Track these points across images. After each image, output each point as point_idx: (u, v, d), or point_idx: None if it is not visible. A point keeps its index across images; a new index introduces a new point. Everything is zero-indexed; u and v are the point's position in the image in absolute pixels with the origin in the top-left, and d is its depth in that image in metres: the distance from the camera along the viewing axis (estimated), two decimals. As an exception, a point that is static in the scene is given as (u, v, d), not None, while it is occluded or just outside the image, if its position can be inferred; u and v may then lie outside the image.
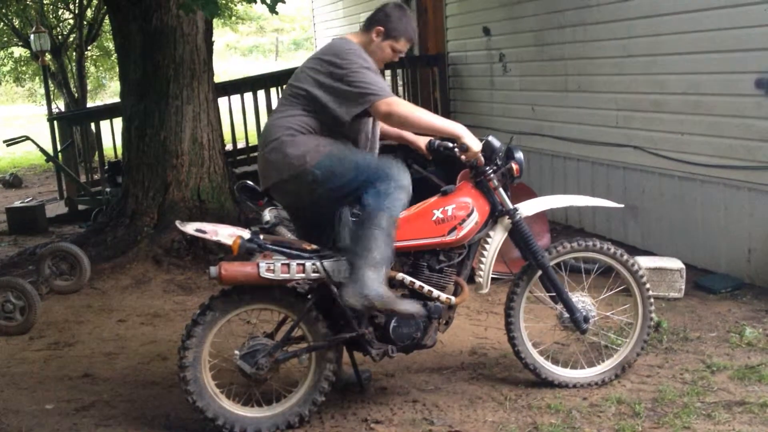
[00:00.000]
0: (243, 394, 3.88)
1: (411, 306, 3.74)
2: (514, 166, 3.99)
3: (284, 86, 10.46)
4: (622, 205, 4.52)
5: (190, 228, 3.72)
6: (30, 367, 4.95)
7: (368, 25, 3.90)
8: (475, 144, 3.79)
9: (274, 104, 10.41)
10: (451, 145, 3.95)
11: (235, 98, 10.28)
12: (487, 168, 3.94)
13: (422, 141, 4.23)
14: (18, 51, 19.36)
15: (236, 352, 3.73)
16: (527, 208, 4.08)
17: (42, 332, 5.62)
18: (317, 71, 3.77)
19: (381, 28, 3.85)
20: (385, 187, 3.66)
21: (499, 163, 3.98)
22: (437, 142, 4.10)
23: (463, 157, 3.88)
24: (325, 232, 3.86)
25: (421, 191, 4.03)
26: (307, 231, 3.99)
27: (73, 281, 6.59)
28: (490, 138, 3.96)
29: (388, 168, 3.71)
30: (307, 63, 3.87)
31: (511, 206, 3.99)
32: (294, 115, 3.79)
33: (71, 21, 17.08)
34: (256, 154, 10.34)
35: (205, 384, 3.72)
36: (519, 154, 4.02)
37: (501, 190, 3.98)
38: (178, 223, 3.80)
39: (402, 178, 3.71)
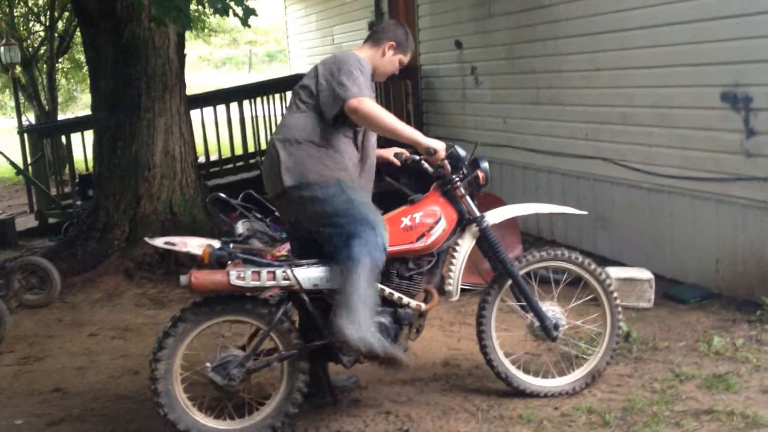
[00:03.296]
0: (215, 407, 3.86)
1: (399, 352, 3.78)
2: (480, 175, 4.05)
3: (256, 99, 10.58)
4: (586, 212, 4.58)
5: (159, 242, 3.73)
6: (-1, 382, 4.91)
7: (378, 40, 4.10)
8: (437, 144, 3.88)
9: (247, 116, 10.45)
10: (417, 157, 4.05)
11: (208, 110, 10.26)
12: (454, 176, 3.99)
13: (388, 152, 4.32)
14: (-12, 63, 19.17)
15: (208, 364, 3.72)
16: (494, 215, 4.13)
17: (12, 347, 5.56)
18: (322, 75, 3.92)
19: (393, 43, 4.08)
20: (370, 236, 3.68)
21: (465, 171, 4.04)
22: (404, 155, 4.21)
23: (429, 168, 3.98)
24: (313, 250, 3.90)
25: (393, 203, 4.07)
26: (301, 247, 4.03)
27: (43, 295, 6.53)
28: (456, 148, 4.03)
29: (375, 222, 3.74)
30: (318, 67, 4.00)
31: (478, 214, 4.04)
32: (304, 116, 3.92)
33: (42, 33, 16.96)
34: (228, 166, 10.47)
35: (177, 396, 3.70)
36: (484, 163, 4.09)
37: (468, 198, 4.03)
38: (146, 238, 3.81)
39: (384, 234, 3.73)
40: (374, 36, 4.15)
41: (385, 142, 4.21)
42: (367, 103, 3.78)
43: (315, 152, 3.84)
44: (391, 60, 4.11)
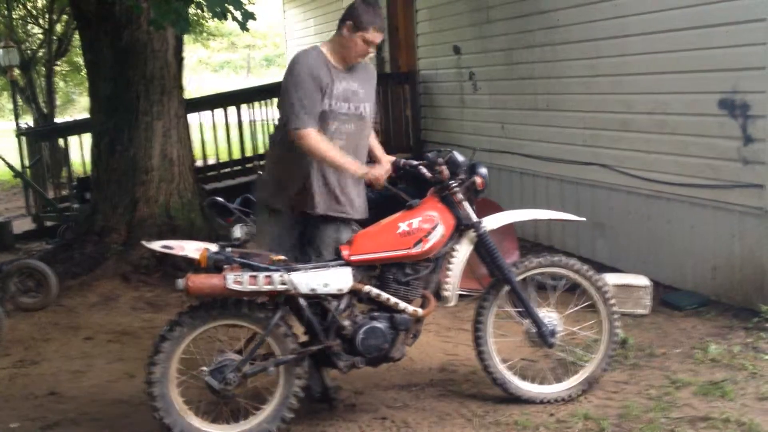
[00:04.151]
0: (211, 411, 3.86)
1: None
2: (478, 180, 4.05)
3: (254, 103, 10.61)
4: (584, 219, 4.58)
5: (157, 245, 3.74)
6: (-6, 385, 4.89)
7: (339, 24, 4.09)
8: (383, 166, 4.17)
9: (245, 120, 10.46)
10: (415, 163, 4.07)
11: (206, 114, 10.27)
12: (452, 182, 3.99)
13: (387, 160, 4.34)
14: (-14, 66, 19.16)
15: (204, 368, 3.72)
16: (492, 221, 4.13)
17: (7, 350, 5.54)
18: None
19: (350, 23, 4.02)
20: None
21: (463, 177, 4.04)
22: (402, 161, 4.22)
23: (427, 173, 4.00)
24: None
25: (391, 208, 4.07)
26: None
27: (40, 298, 6.51)
28: (454, 153, 4.03)
29: None
30: None
31: (475, 219, 4.03)
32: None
33: (41, 36, 16.96)
34: (226, 170, 10.46)
35: (173, 400, 3.69)
36: (482, 169, 4.08)
37: (466, 203, 4.03)
38: (144, 242, 3.82)
39: None
40: (339, 21, 4.12)
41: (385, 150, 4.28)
42: (307, 139, 3.94)
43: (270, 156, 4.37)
44: (353, 40, 4.02)
